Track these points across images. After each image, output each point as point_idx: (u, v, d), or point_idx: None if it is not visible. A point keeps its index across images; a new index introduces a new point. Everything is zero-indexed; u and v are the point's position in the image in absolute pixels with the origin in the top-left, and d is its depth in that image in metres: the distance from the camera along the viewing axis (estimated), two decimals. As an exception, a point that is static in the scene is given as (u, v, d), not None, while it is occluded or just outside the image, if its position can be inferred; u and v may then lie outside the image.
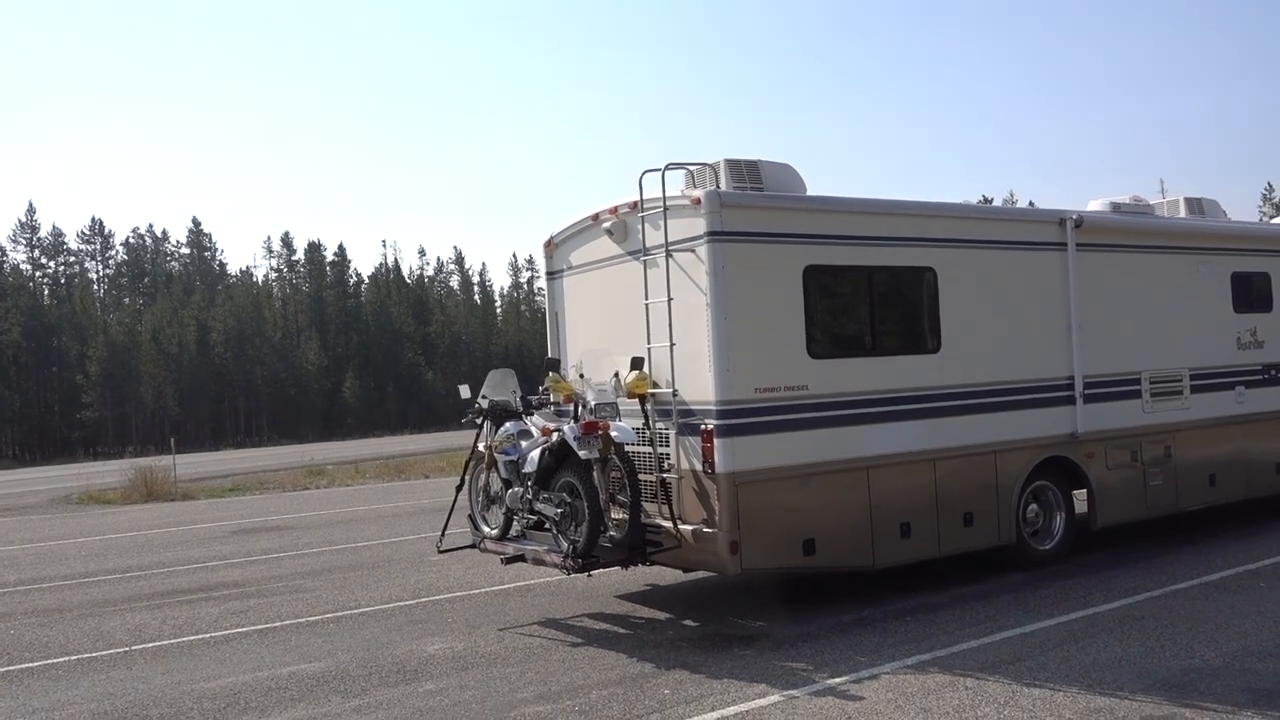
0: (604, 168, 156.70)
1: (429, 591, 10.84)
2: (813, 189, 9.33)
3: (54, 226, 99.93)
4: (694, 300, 8.48)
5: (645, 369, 8.87)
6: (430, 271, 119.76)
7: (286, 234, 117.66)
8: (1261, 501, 12.41)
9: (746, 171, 8.96)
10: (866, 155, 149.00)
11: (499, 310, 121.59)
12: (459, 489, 10.02)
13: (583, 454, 8.27)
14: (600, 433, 8.32)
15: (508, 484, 9.21)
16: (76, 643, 9.38)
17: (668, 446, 8.74)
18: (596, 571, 8.99)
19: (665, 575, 10.38)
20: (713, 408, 8.34)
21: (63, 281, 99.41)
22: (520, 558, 9.30)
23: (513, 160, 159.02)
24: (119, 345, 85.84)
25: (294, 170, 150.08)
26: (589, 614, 9.36)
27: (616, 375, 8.92)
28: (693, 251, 8.52)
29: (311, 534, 16.46)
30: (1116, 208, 11.58)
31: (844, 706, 6.40)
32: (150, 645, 9.14)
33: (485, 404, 9.54)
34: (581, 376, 9.02)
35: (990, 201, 71.98)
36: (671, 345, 8.64)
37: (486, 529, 9.67)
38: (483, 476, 9.72)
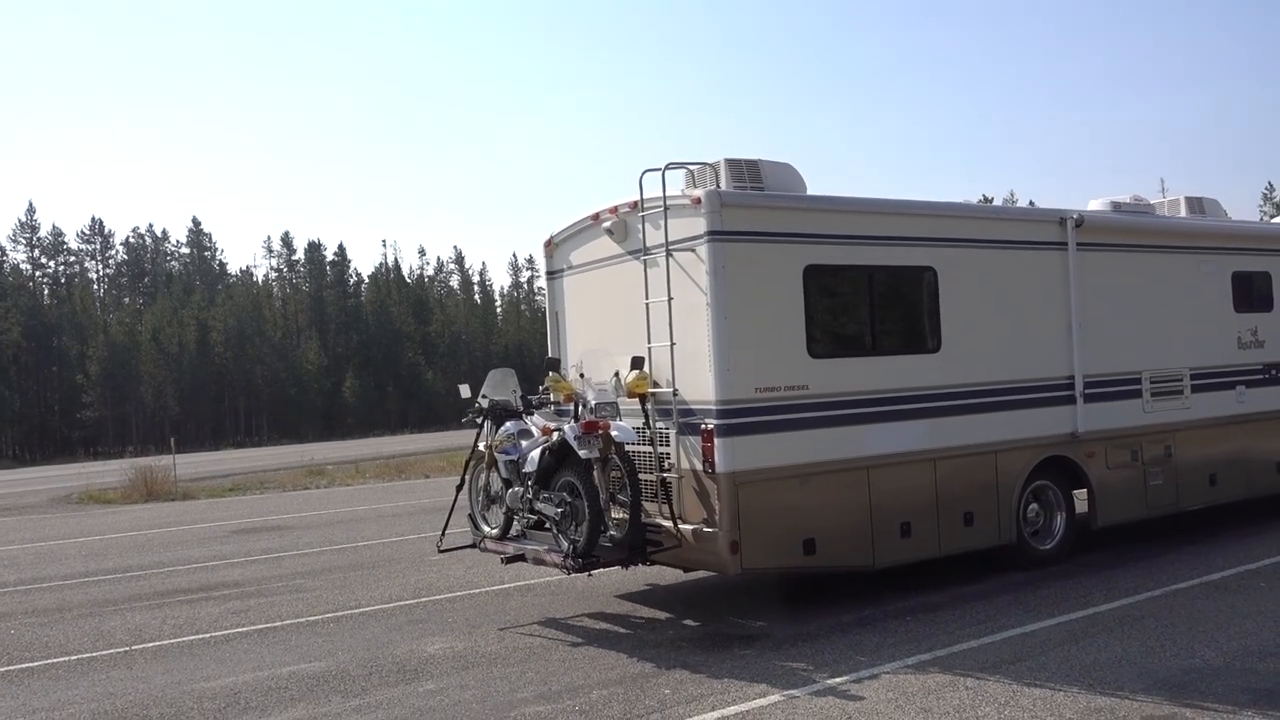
0: (604, 167, 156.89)
1: (429, 591, 10.84)
2: (813, 188, 9.33)
3: (54, 226, 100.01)
4: (694, 300, 8.48)
5: (645, 368, 8.86)
6: (430, 271, 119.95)
7: (286, 234, 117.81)
8: (1262, 501, 12.40)
9: (747, 171, 8.96)
10: (867, 155, 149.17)
11: (499, 310, 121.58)
12: (459, 488, 10.02)
13: (583, 453, 8.27)
14: (600, 432, 8.32)
15: (508, 483, 9.21)
16: (76, 642, 9.38)
17: (668, 446, 8.74)
18: (597, 571, 8.99)
19: (665, 575, 10.38)
20: (713, 407, 8.34)
21: (63, 281, 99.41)
22: (520, 557, 9.30)
23: (513, 160, 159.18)
24: (119, 345, 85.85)
25: (294, 170, 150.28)
26: (589, 614, 9.36)
27: (617, 375, 8.92)
28: (693, 251, 8.51)
29: (312, 534, 16.46)
30: (1117, 207, 11.58)
31: (844, 706, 6.39)
32: (150, 645, 9.14)
33: (485, 403, 9.54)
34: (582, 376, 9.02)
35: (990, 201, 71.99)
36: (672, 345, 8.63)
37: (487, 528, 9.67)
38: (483, 476, 9.72)
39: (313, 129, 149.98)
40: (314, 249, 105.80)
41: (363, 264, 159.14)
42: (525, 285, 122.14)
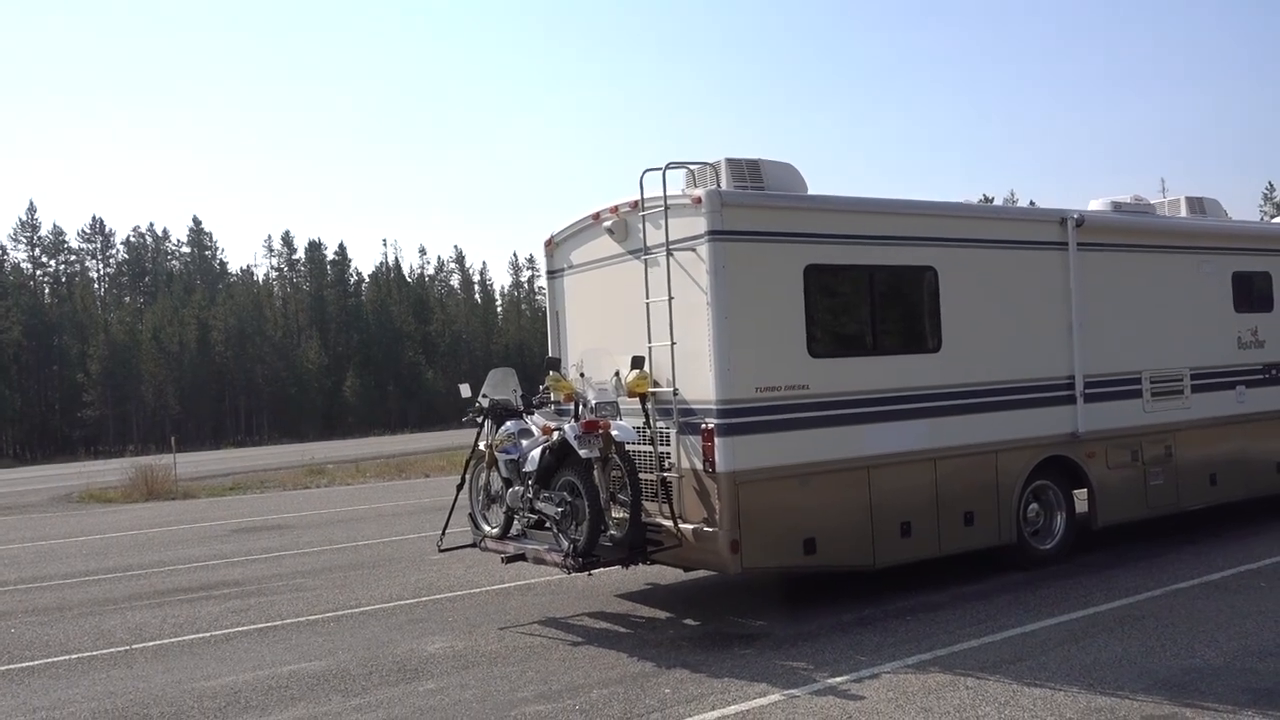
0: (604, 167, 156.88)
1: (429, 590, 10.84)
2: (813, 188, 9.33)
3: (54, 225, 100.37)
4: (695, 299, 8.48)
5: (646, 368, 8.86)
6: (431, 270, 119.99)
7: (287, 233, 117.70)
8: (1262, 501, 12.40)
9: (747, 170, 8.96)
10: (867, 154, 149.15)
11: (499, 309, 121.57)
12: (459, 488, 10.02)
13: (583, 453, 8.27)
14: (601, 432, 8.32)
15: (508, 483, 9.21)
16: (77, 641, 9.39)
17: (668, 445, 8.74)
18: (597, 570, 8.98)
19: (666, 574, 10.38)
20: (713, 407, 8.34)
21: (63, 280, 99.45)
22: (521, 556, 9.30)
23: (513, 160, 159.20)
24: (119, 344, 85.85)
25: (294, 170, 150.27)
26: (589, 613, 9.36)
27: (617, 374, 8.92)
28: (693, 250, 8.51)
29: (312, 533, 16.46)
30: (1117, 207, 11.57)
31: (845, 706, 6.39)
32: (151, 644, 9.15)
33: (486, 403, 9.55)
34: (582, 375, 9.02)
35: (991, 201, 71.94)
36: (672, 344, 8.63)
37: (487, 528, 9.67)
38: (483, 475, 9.73)
39: (313, 129, 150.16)
40: (314, 248, 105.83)
41: (363, 263, 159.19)
42: (526, 285, 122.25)
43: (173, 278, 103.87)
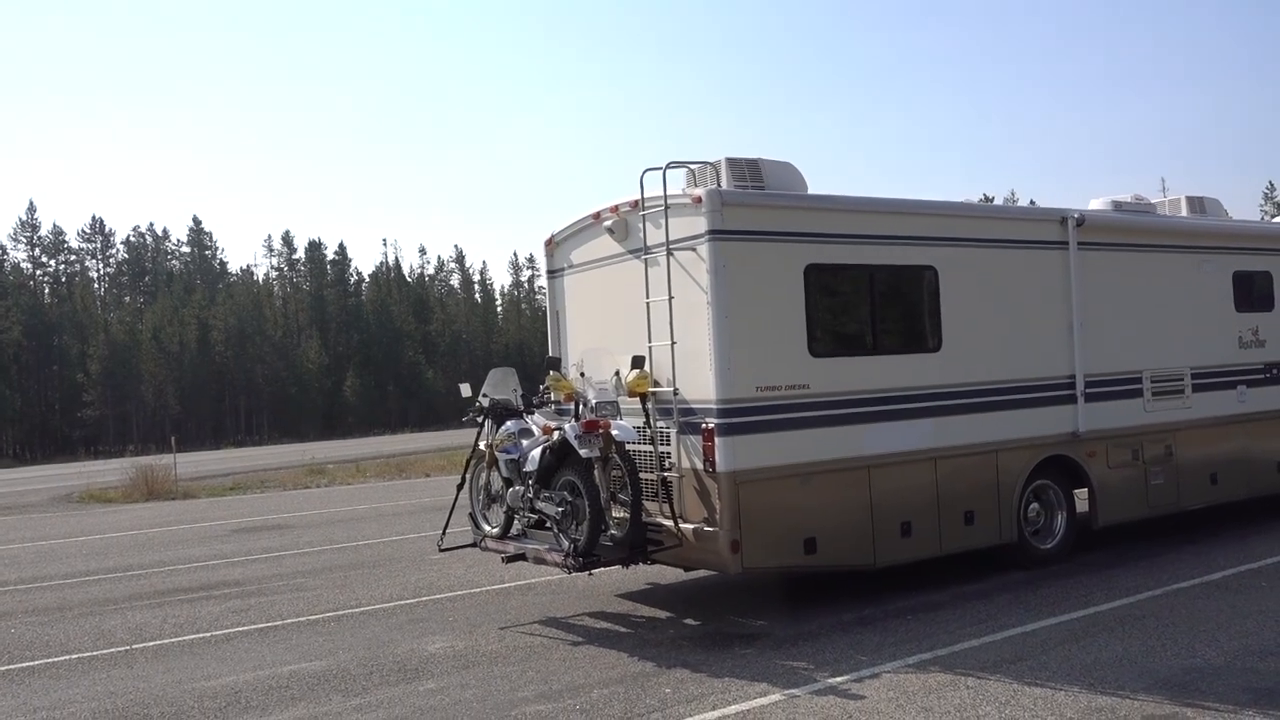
0: (605, 166, 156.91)
1: (430, 590, 10.84)
2: (814, 187, 9.33)
3: (54, 225, 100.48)
4: (695, 299, 8.47)
5: (646, 368, 8.86)
6: (431, 270, 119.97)
7: (287, 233, 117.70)
8: (1263, 500, 12.40)
9: (747, 170, 8.95)
10: (867, 154, 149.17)
11: (499, 309, 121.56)
12: (460, 487, 10.02)
13: (584, 452, 8.27)
14: (601, 431, 8.32)
15: (509, 482, 9.21)
16: (77, 641, 9.38)
17: (669, 445, 8.74)
18: (597, 570, 8.98)
19: (666, 574, 10.38)
20: (714, 406, 8.33)
21: (63, 280, 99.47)
22: (521, 556, 9.30)
23: (513, 159, 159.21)
24: (120, 344, 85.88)
25: (294, 170, 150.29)
26: (590, 613, 9.36)
27: (617, 374, 8.91)
28: (694, 250, 8.51)
29: (312, 532, 16.46)
30: (1118, 206, 11.57)
31: (845, 705, 6.39)
32: (151, 644, 9.14)
33: (486, 402, 9.54)
34: (582, 375, 9.02)
35: (991, 200, 71.91)
36: (672, 344, 8.63)
37: (487, 527, 9.66)
38: (484, 475, 9.72)
39: (313, 129, 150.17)
40: (314, 248, 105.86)
41: (363, 263, 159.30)
42: (526, 284, 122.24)
43: (173, 278, 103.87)
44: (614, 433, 8.38)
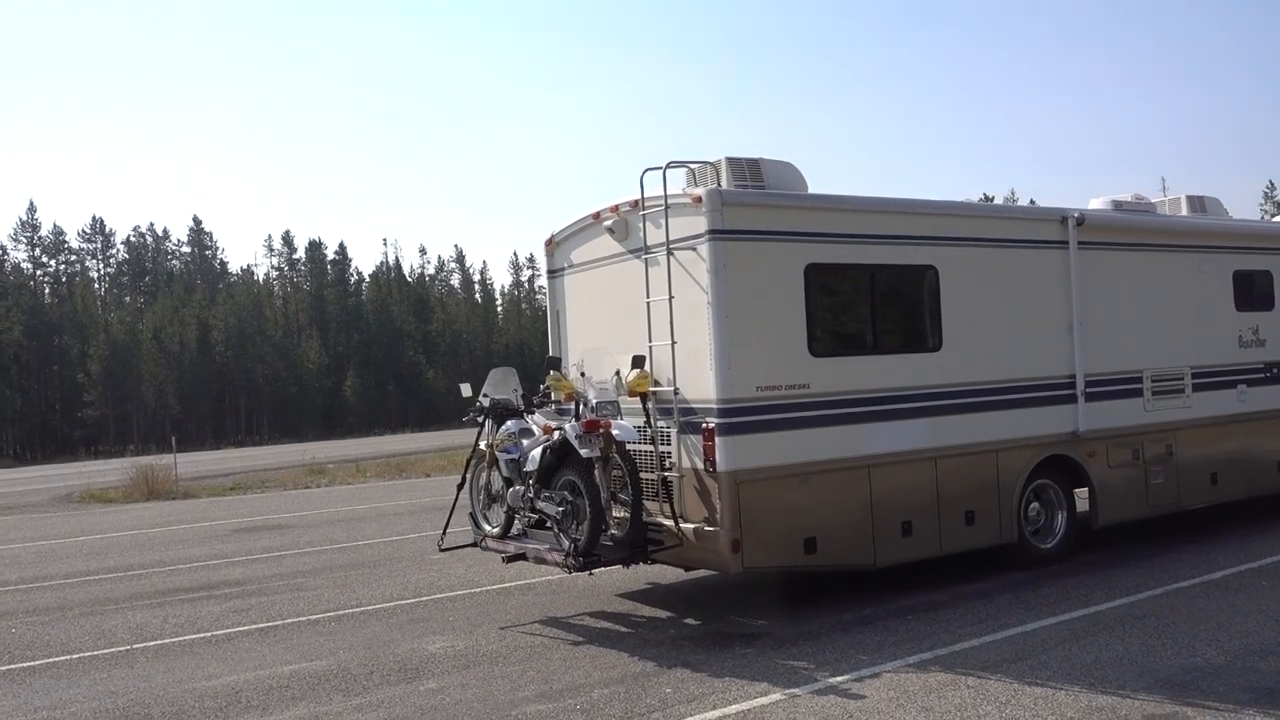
0: (605, 167, 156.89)
1: (430, 590, 10.84)
2: (814, 187, 9.33)
3: (55, 225, 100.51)
4: (695, 298, 8.47)
5: (646, 367, 8.86)
6: (431, 270, 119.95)
7: (287, 232, 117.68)
8: (1263, 500, 12.40)
9: (748, 169, 8.95)
10: (868, 153, 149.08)
11: (500, 308, 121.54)
12: (460, 487, 10.02)
13: (584, 452, 8.27)
14: (602, 431, 8.32)
15: (509, 482, 9.21)
16: (78, 641, 9.39)
17: (669, 445, 8.74)
18: (598, 570, 8.98)
19: (666, 574, 10.38)
20: (714, 406, 8.33)
21: (64, 280, 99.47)
22: (521, 556, 9.29)
23: (514, 158, 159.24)
24: (120, 344, 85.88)
25: (295, 169, 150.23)
26: (590, 612, 9.36)
27: (618, 373, 8.91)
28: (694, 250, 8.51)
29: (312, 532, 16.46)
30: (1118, 206, 11.56)
31: (845, 705, 6.39)
32: (151, 644, 9.15)
33: (486, 402, 9.54)
34: (583, 375, 9.02)
35: (991, 199, 71.87)
36: (673, 343, 8.63)
37: (488, 527, 9.67)
38: (484, 475, 9.73)
39: (313, 127, 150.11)
40: (315, 248, 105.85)
41: (363, 263, 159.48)
42: (526, 284, 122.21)
43: (173, 277, 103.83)
44: (614, 432, 8.38)
